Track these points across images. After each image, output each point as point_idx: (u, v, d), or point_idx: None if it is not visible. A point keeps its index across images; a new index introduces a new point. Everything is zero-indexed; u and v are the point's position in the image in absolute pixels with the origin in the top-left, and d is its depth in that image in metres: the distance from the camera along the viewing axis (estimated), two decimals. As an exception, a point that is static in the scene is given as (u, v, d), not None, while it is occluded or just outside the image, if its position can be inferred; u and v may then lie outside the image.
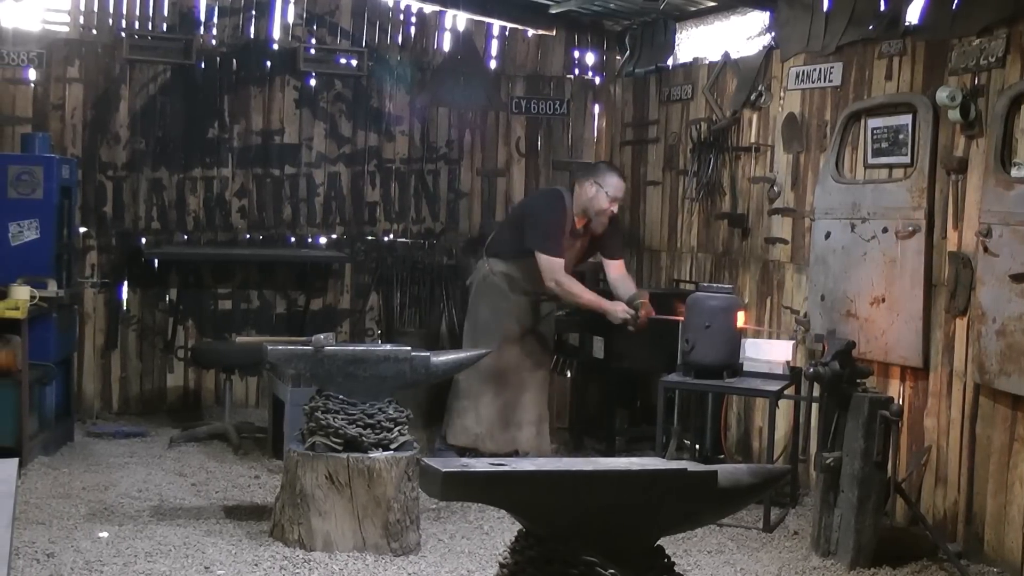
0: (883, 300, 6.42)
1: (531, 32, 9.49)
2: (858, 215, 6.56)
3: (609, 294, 7.23)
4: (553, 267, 6.98)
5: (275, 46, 8.85)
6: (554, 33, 9.52)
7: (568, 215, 7.11)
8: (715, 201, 8.09)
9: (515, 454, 6.97)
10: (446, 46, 9.28)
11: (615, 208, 7.15)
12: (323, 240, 9.01)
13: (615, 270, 7.29)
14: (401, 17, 9.19)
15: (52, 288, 7.07)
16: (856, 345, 6.09)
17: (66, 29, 8.33)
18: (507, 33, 9.42)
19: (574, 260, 7.28)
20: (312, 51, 8.85)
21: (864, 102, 6.69)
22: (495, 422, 7.19)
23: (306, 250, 8.90)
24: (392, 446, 5.67)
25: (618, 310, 6.95)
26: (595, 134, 9.64)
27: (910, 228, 6.25)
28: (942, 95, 5.90)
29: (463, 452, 7.04)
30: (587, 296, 7.07)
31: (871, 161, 6.63)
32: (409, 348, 5.93)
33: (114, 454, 7.41)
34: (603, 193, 7.02)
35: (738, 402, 7.66)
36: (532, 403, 7.25)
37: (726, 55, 8.07)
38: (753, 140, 7.75)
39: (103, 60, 8.37)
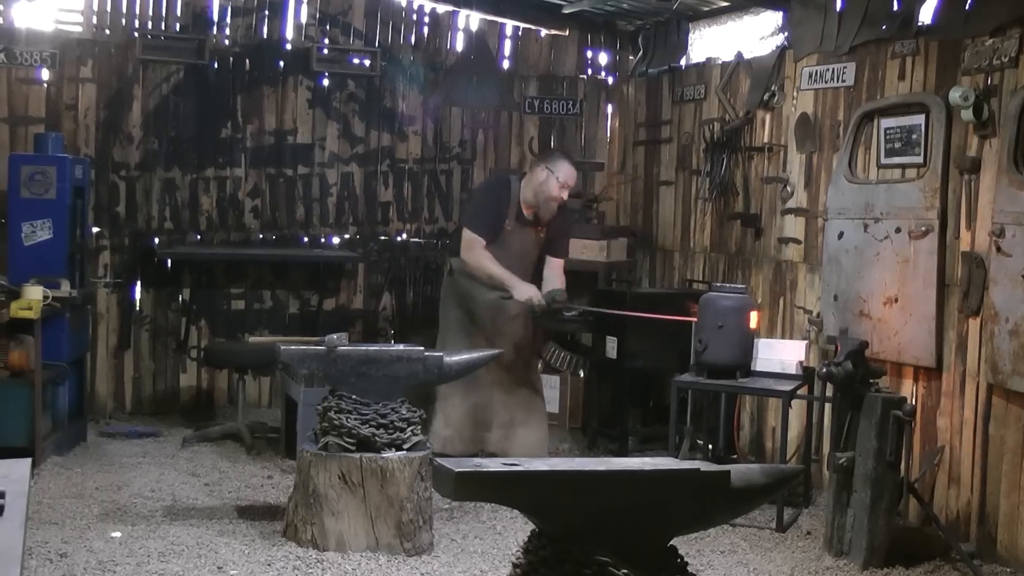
0: (896, 300, 6.41)
1: (544, 32, 9.49)
2: (871, 215, 6.55)
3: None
4: (471, 241, 6.91)
5: (288, 46, 8.86)
6: (567, 33, 9.52)
7: (511, 200, 7.01)
8: (728, 201, 8.08)
9: (481, 455, 6.76)
10: (459, 46, 9.28)
11: (565, 195, 7.04)
12: (336, 240, 9.02)
13: (552, 268, 7.15)
14: (414, 17, 9.19)
15: (65, 288, 7.08)
16: (869, 345, 6.09)
17: (79, 29, 8.34)
18: (520, 33, 9.42)
19: (528, 252, 7.11)
20: (325, 51, 8.86)
21: (877, 102, 6.68)
22: (463, 424, 7.02)
23: (319, 250, 8.91)
24: (405, 446, 5.67)
25: (529, 290, 6.84)
26: (608, 134, 9.63)
27: (923, 228, 6.23)
28: (955, 95, 5.88)
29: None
30: (497, 270, 6.89)
31: (884, 161, 6.62)
32: (422, 348, 5.93)
33: (127, 454, 7.42)
34: (553, 179, 6.92)
35: (751, 402, 7.65)
36: (503, 405, 7.06)
37: (739, 55, 8.06)
38: (766, 140, 7.74)
39: (116, 60, 8.38)
